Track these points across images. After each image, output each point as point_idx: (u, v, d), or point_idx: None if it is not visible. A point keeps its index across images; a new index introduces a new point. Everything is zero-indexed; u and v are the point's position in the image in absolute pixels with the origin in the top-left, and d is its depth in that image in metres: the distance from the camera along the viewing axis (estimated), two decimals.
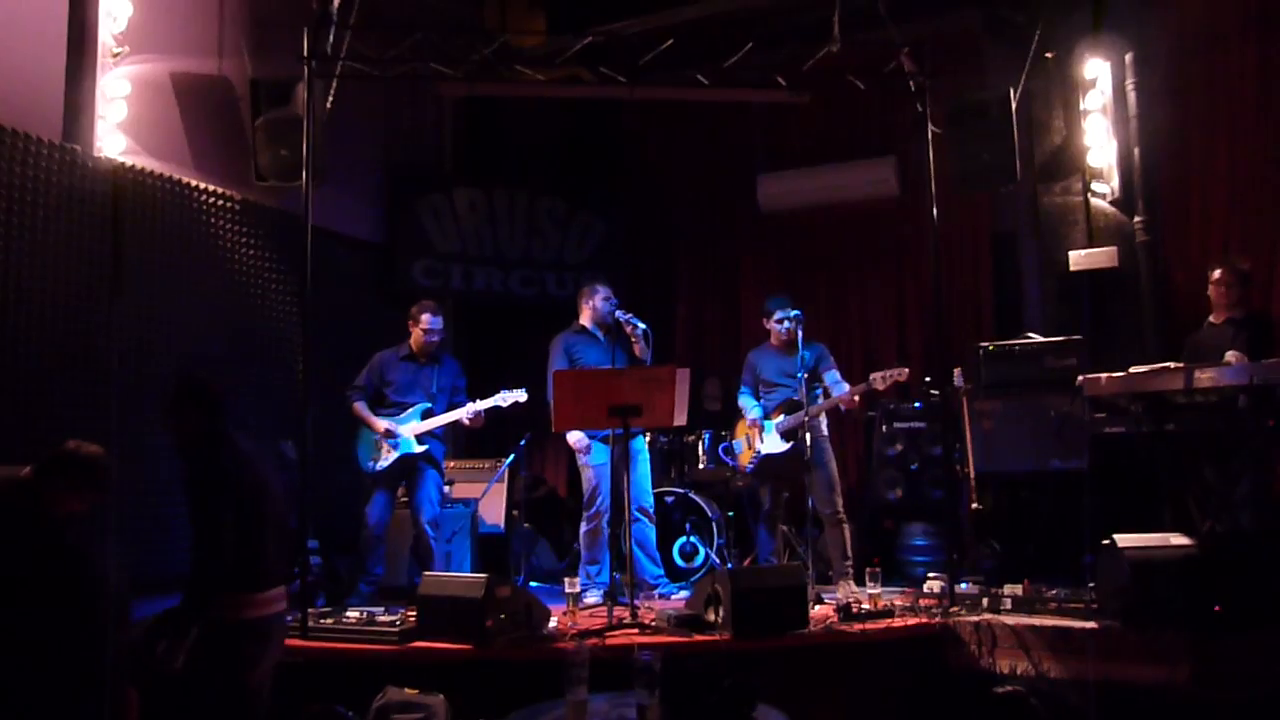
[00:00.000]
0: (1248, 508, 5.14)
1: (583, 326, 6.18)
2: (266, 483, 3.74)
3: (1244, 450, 5.10)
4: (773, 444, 6.17)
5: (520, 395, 6.12)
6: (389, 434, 5.97)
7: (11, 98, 5.15)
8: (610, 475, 5.91)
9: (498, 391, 6.12)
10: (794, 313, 5.96)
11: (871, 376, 5.87)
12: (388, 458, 6.01)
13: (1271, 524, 4.99)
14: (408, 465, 6.06)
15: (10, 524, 3.52)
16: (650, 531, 6.07)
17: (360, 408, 6.08)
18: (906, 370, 5.87)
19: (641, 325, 5.83)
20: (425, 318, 6.15)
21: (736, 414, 6.55)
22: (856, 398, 6.04)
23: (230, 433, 3.70)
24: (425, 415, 6.07)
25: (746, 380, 6.45)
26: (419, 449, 6.02)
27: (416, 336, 6.19)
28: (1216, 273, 5.62)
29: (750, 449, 6.33)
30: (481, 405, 6.07)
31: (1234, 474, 5.22)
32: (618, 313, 5.89)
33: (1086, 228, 7.07)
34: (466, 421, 6.09)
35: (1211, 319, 5.68)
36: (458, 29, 7.79)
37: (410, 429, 6.01)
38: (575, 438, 5.96)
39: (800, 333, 5.87)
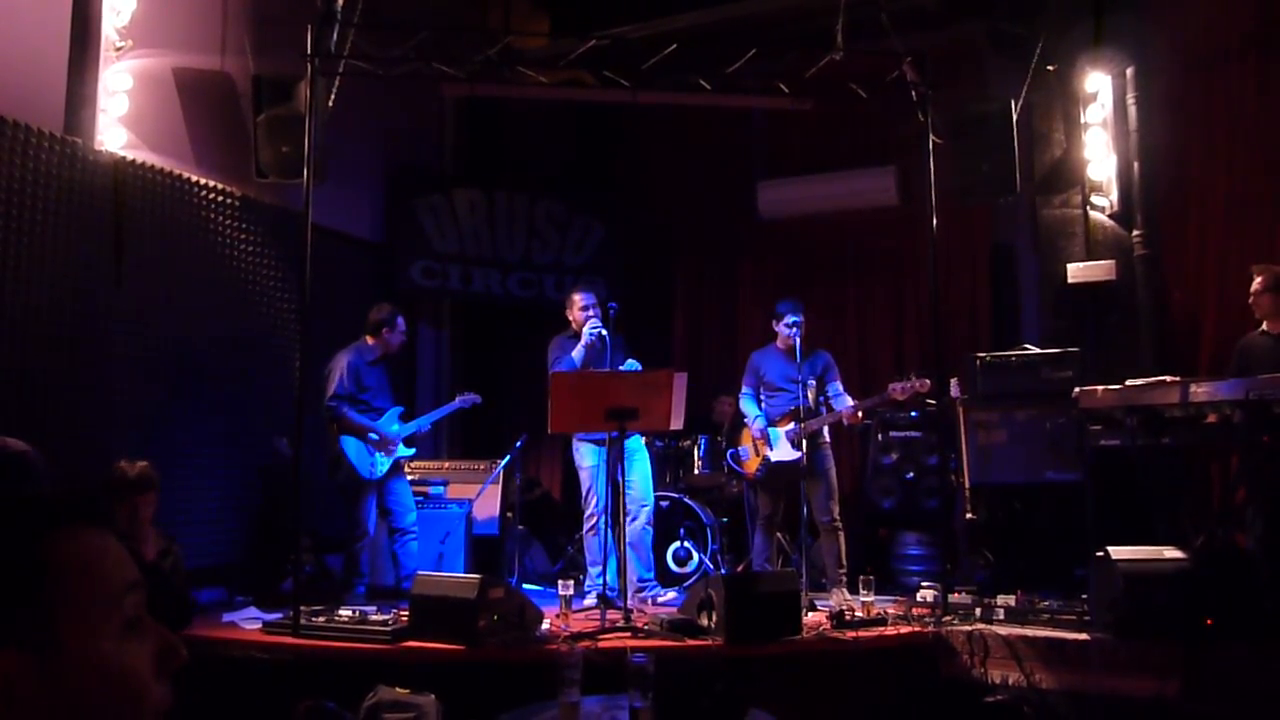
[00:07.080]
0: (1241, 522, 5.15)
1: (574, 333, 6.11)
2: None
3: (1239, 465, 5.10)
4: (783, 451, 6.06)
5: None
6: (385, 442, 5.97)
7: (13, 89, 5.15)
8: (605, 476, 5.89)
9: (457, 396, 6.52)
10: (796, 318, 5.98)
11: (891, 387, 5.74)
12: (384, 463, 5.99)
13: (1265, 539, 5.01)
14: (392, 468, 6.08)
15: None
16: (647, 534, 6.05)
17: (355, 416, 5.91)
18: (929, 381, 5.69)
19: (598, 330, 5.89)
20: (400, 322, 6.18)
21: (741, 420, 6.51)
22: (860, 413, 6.00)
23: None
24: (402, 418, 6.14)
25: (749, 383, 6.36)
26: (406, 452, 6.15)
27: (393, 341, 6.16)
28: (1255, 282, 5.37)
29: (757, 456, 6.27)
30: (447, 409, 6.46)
31: (1228, 488, 5.23)
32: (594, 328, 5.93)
33: (1085, 241, 7.07)
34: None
35: (1265, 327, 5.41)
36: (461, 29, 7.81)
37: (397, 433, 6.06)
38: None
39: (799, 339, 5.87)
